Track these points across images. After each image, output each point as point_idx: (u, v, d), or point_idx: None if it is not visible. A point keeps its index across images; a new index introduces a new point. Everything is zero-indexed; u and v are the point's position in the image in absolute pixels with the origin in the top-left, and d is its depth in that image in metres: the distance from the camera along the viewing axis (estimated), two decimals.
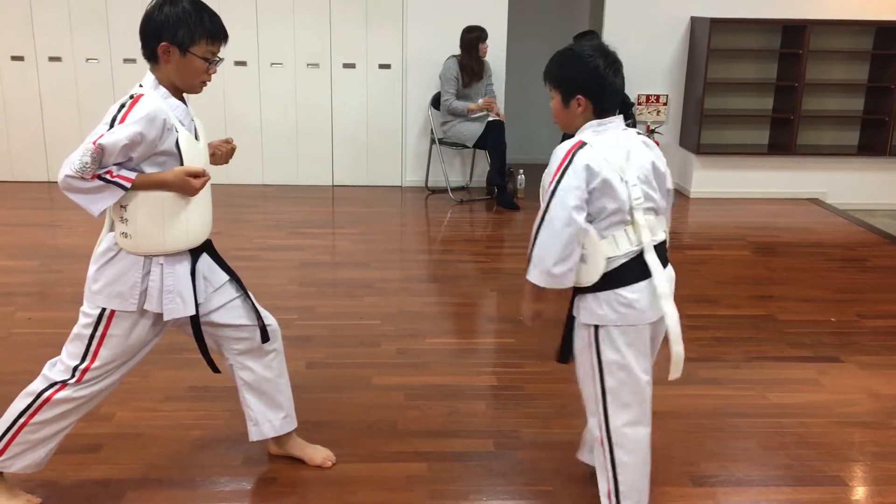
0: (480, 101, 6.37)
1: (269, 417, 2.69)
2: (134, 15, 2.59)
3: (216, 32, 2.29)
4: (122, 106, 2.20)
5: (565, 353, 2.39)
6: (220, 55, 2.35)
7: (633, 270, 2.23)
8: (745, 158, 6.92)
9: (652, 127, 6.95)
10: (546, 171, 2.26)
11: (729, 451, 2.96)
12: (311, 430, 3.00)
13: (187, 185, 2.28)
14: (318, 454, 2.80)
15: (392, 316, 4.17)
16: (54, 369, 2.38)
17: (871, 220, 6.30)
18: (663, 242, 2.32)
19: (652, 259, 2.24)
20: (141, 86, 2.28)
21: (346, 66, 6.79)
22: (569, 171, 2.16)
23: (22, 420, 2.37)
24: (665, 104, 7.02)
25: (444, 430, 3.05)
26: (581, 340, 2.33)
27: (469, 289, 4.83)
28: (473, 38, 6.31)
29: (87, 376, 2.35)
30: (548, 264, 2.19)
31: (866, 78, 6.98)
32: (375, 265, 5.02)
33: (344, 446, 2.90)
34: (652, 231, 2.25)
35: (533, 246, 2.23)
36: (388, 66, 6.80)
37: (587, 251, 2.21)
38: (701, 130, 6.73)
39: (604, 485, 2.38)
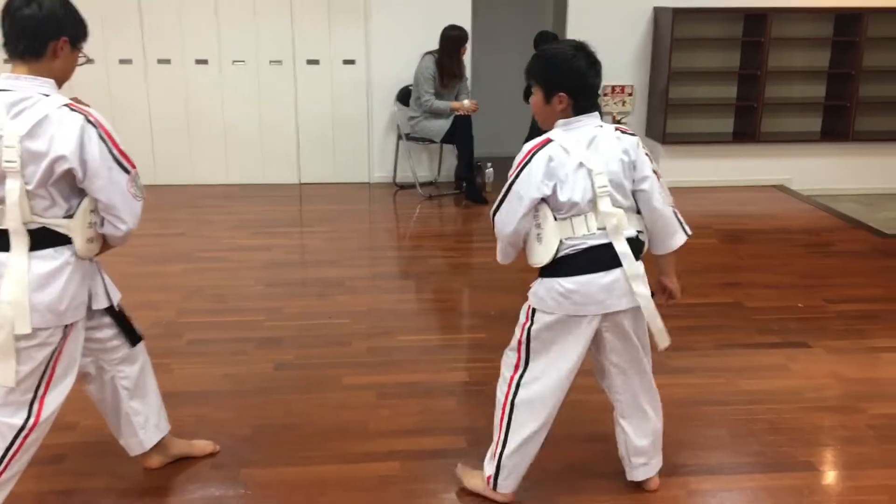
0: (467, 102, 6.23)
1: (159, 416, 2.67)
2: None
3: (87, 31, 2.31)
4: (92, 124, 2.18)
5: None
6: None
7: (584, 261, 2.30)
8: (711, 147, 6.96)
9: (618, 118, 6.97)
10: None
11: (701, 440, 2.97)
12: (280, 433, 2.97)
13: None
14: (205, 443, 2.82)
15: (362, 314, 4.13)
16: (9, 412, 2.24)
17: (836, 206, 6.37)
18: (632, 238, 2.35)
19: (621, 245, 2.30)
20: (48, 95, 2.16)
21: (309, 62, 6.71)
22: (523, 174, 2.29)
23: None
24: (631, 94, 7.04)
25: (417, 428, 3.02)
26: (521, 314, 2.45)
27: (440, 284, 4.81)
28: (456, 37, 6.17)
29: (46, 401, 2.28)
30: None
31: (827, 65, 7.05)
32: (345, 263, 4.97)
33: (315, 448, 2.87)
34: (619, 223, 2.30)
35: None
36: (352, 62, 6.74)
37: (542, 231, 2.31)
38: (666, 120, 6.76)
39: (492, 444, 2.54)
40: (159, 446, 2.69)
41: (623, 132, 2.35)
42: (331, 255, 5.15)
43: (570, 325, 2.36)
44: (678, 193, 6.63)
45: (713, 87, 7.08)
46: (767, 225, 5.90)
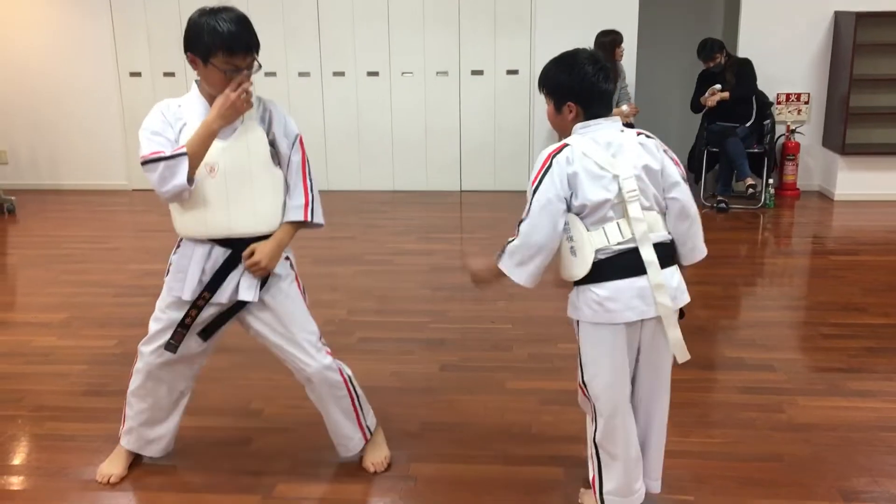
0: (625, 107, 6.18)
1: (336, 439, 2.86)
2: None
3: (233, 45, 2.29)
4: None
5: None
6: (256, 63, 2.38)
7: (617, 266, 2.23)
8: (895, 159, 6.52)
9: (792, 127, 6.67)
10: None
11: (882, 467, 2.81)
12: (446, 431, 3.08)
13: (227, 102, 2.32)
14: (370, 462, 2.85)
15: (522, 320, 4.19)
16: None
17: None
18: (665, 242, 2.28)
19: (648, 253, 2.22)
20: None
21: (474, 73, 6.87)
22: (545, 179, 2.21)
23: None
24: (807, 102, 6.71)
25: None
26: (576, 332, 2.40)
27: None
28: (608, 42, 6.17)
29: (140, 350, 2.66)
30: (511, 263, 2.32)
31: None
32: None
33: (480, 448, 2.95)
34: (651, 227, 2.24)
35: (512, 239, 2.30)
36: (515, 72, 6.84)
37: (576, 243, 2.24)
38: (846, 130, 6.40)
39: (590, 473, 2.47)
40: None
41: (647, 136, 2.30)
42: None
43: (612, 332, 2.27)
44: (858, 207, 6.38)
45: None
46: None
